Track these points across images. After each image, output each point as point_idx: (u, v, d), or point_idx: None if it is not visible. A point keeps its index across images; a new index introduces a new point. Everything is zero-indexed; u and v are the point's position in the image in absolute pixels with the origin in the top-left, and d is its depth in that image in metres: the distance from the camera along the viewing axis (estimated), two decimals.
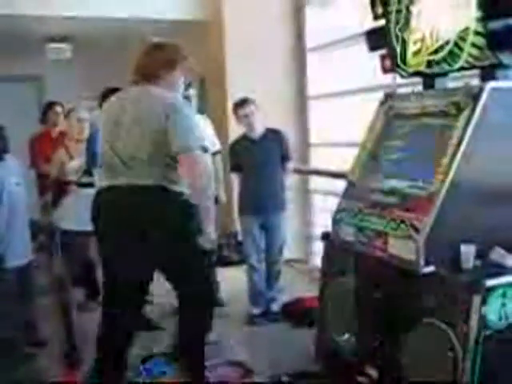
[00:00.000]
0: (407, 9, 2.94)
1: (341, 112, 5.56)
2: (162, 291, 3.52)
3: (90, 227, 4.17)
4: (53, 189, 4.60)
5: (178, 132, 2.81)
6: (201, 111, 4.74)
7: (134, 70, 3.05)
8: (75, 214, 4.37)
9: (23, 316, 3.86)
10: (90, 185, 4.23)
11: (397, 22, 3.01)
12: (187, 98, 4.29)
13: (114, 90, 4.17)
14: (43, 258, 4.42)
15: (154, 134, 2.83)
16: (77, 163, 4.41)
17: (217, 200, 4.52)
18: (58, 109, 5.68)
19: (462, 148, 2.47)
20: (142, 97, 2.96)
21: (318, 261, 4.56)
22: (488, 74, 2.60)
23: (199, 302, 3.03)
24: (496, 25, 2.46)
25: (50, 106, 5.76)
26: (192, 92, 4.47)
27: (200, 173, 2.80)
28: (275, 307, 4.50)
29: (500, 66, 2.54)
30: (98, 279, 4.69)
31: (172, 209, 2.85)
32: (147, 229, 2.79)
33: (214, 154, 4.64)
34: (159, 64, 3.01)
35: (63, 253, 4.26)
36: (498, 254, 2.45)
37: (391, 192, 2.78)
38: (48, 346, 3.89)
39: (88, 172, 4.23)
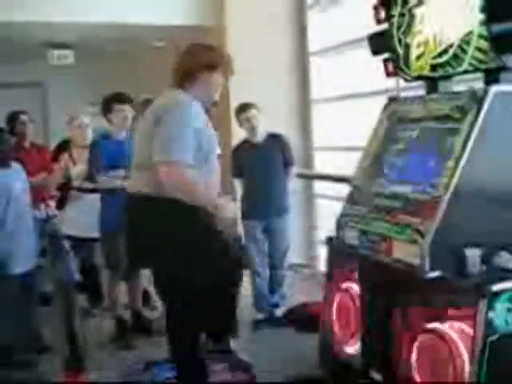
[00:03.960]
0: (410, 12, 2.93)
1: (344, 116, 5.56)
2: None
3: (93, 233, 4.21)
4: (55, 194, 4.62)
5: (160, 140, 2.72)
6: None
7: (174, 70, 2.97)
8: (78, 219, 4.38)
9: (26, 322, 3.85)
10: (93, 190, 4.24)
11: (400, 26, 3.00)
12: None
13: (116, 97, 4.20)
14: (46, 263, 4.41)
15: (144, 138, 2.84)
16: (79, 169, 4.42)
17: None
18: (24, 117, 5.29)
19: (467, 152, 2.46)
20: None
21: (322, 265, 4.55)
22: (492, 77, 2.59)
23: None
24: (500, 28, 2.44)
25: (15, 116, 5.31)
26: None
27: (176, 187, 2.70)
28: (279, 312, 4.49)
29: (504, 69, 2.52)
30: (101, 285, 4.72)
31: (156, 217, 2.75)
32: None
33: None
34: (201, 65, 2.92)
35: (66, 258, 4.26)
36: (503, 259, 2.43)
37: (395, 196, 2.77)
38: (51, 351, 3.88)
39: (90, 178, 4.23)
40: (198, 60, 2.93)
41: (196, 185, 2.76)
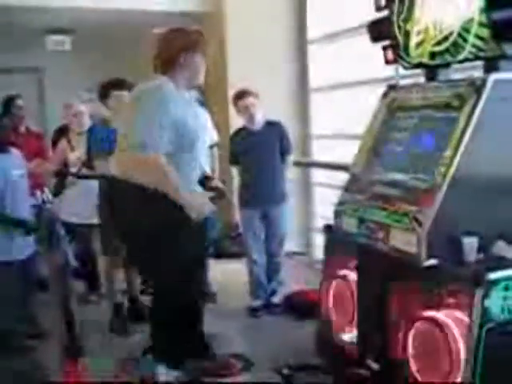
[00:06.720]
0: None
1: (343, 104, 5.54)
2: None
3: (90, 219, 4.20)
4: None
5: (135, 126, 2.80)
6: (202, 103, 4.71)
7: (154, 56, 3.01)
8: (75, 206, 4.38)
9: (24, 308, 3.85)
10: (90, 177, 4.23)
11: (400, 13, 2.98)
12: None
13: (113, 83, 4.18)
14: (43, 249, 4.41)
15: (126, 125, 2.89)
16: (77, 154, 4.41)
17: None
18: (20, 102, 5.26)
19: (465, 140, 2.46)
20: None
21: (319, 253, 4.56)
22: (491, 65, 2.58)
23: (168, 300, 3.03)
24: (500, 15, 2.43)
25: (11, 100, 5.29)
26: None
27: (150, 172, 2.79)
28: (276, 300, 4.49)
29: (504, 57, 2.51)
30: (99, 271, 4.72)
31: (131, 201, 2.86)
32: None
33: (211, 146, 4.64)
34: (179, 47, 2.95)
35: (64, 245, 4.26)
36: (500, 247, 2.44)
37: (393, 184, 2.77)
38: (48, 337, 3.88)
39: (87, 164, 4.22)
40: (175, 44, 2.96)
41: (167, 172, 2.80)
